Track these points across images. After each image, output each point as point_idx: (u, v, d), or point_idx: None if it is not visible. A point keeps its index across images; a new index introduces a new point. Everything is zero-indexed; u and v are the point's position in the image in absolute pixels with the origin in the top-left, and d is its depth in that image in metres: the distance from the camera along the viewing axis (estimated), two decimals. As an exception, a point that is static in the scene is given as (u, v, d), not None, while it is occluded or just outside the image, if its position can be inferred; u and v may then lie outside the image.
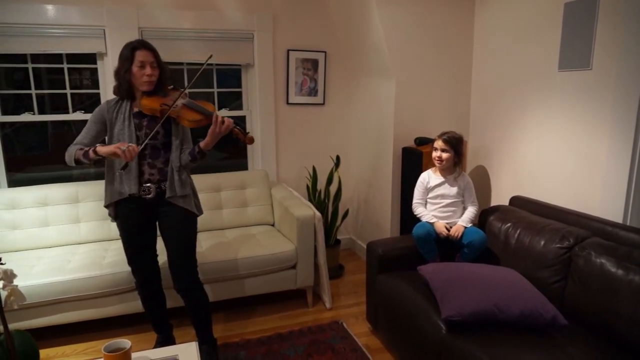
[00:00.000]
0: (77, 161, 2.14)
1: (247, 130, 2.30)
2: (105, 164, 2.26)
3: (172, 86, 2.33)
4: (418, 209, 2.79)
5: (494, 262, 2.53)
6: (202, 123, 2.21)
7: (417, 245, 2.64)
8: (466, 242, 2.56)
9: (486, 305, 1.97)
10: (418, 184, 2.81)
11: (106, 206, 2.31)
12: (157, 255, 2.46)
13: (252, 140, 2.27)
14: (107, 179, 2.27)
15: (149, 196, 2.25)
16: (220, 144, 2.30)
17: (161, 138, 2.26)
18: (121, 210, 2.29)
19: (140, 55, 2.15)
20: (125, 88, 2.20)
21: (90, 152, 2.10)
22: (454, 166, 2.74)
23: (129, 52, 2.16)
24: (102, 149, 2.08)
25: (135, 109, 2.25)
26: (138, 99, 2.24)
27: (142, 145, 2.14)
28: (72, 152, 2.16)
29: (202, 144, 2.21)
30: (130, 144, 2.05)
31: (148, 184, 2.25)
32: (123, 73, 2.17)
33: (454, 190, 2.73)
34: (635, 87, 2.19)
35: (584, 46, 2.45)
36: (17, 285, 1.69)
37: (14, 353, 1.61)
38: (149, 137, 2.16)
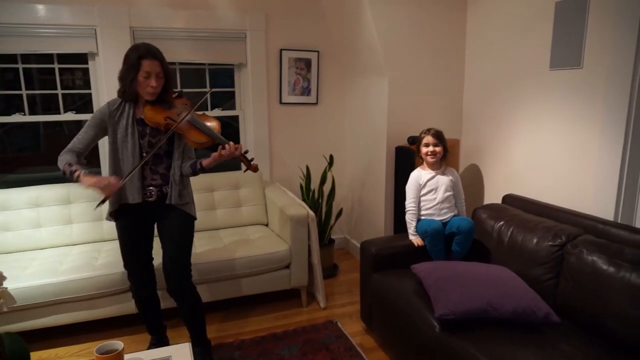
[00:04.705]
0: (64, 173, 2.08)
1: (251, 158, 2.29)
2: (109, 171, 2.23)
3: (176, 93, 2.27)
4: (412, 217, 2.75)
5: (486, 260, 2.54)
6: (207, 145, 2.20)
7: (428, 244, 2.63)
8: (455, 227, 2.57)
9: (479, 303, 1.97)
10: (411, 182, 2.80)
11: (109, 214, 2.29)
12: (152, 259, 2.45)
13: (256, 169, 2.27)
14: None
15: (151, 199, 2.25)
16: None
17: (164, 146, 2.25)
18: (122, 214, 2.28)
19: (146, 65, 2.08)
20: (130, 94, 2.17)
21: (75, 176, 2.04)
22: (441, 160, 2.78)
23: (135, 60, 2.08)
24: (85, 180, 2.01)
25: (139, 115, 2.22)
26: (141, 105, 2.21)
27: (138, 167, 2.13)
28: (62, 162, 2.10)
29: (204, 162, 2.22)
30: (112, 178, 2.01)
31: (150, 187, 2.25)
32: (129, 82, 2.12)
33: (446, 181, 2.74)
34: (625, 85, 2.20)
35: (575, 45, 2.46)
36: (7, 288, 1.68)
37: (3, 356, 1.59)
38: (152, 152, 2.16)
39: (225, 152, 2.15)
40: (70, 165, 2.06)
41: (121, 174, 2.19)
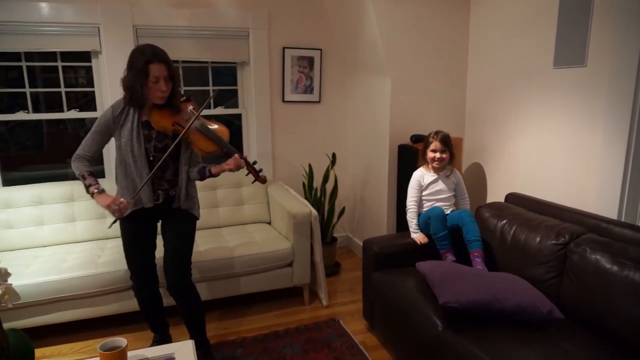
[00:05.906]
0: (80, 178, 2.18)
1: (260, 169, 2.29)
2: (117, 175, 2.25)
3: (184, 97, 2.25)
4: (412, 216, 2.76)
5: (489, 259, 2.54)
6: (215, 153, 2.20)
7: (433, 229, 2.62)
8: (458, 221, 2.58)
9: (484, 295, 1.97)
10: (413, 183, 2.80)
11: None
12: (155, 258, 2.45)
13: (265, 180, 2.28)
14: (120, 187, 2.25)
15: (158, 202, 2.26)
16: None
17: (170, 151, 2.21)
18: (127, 214, 2.27)
19: (154, 70, 2.04)
20: (138, 99, 2.11)
21: (89, 192, 2.14)
22: (447, 164, 2.78)
23: (142, 65, 2.03)
24: (100, 200, 2.11)
25: (144, 118, 2.18)
26: (147, 108, 2.17)
27: (147, 181, 2.15)
28: (77, 170, 2.19)
29: (213, 170, 2.23)
30: (122, 200, 2.10)
31: (158, 192, 2.26)
32: (139, 88, 2.06)
33: (448, 185, 2.77)
34: (629, 84, 2.19)
35: (579, 43, 2.45)
36: (11, 284, 1.69)
37: (8, 352, 1.60)
38: (158, 165, 2.13)
39: (235, 166, 2.17)
40: (84, 177, 2.15)
41: (131, 178, 2.20)
